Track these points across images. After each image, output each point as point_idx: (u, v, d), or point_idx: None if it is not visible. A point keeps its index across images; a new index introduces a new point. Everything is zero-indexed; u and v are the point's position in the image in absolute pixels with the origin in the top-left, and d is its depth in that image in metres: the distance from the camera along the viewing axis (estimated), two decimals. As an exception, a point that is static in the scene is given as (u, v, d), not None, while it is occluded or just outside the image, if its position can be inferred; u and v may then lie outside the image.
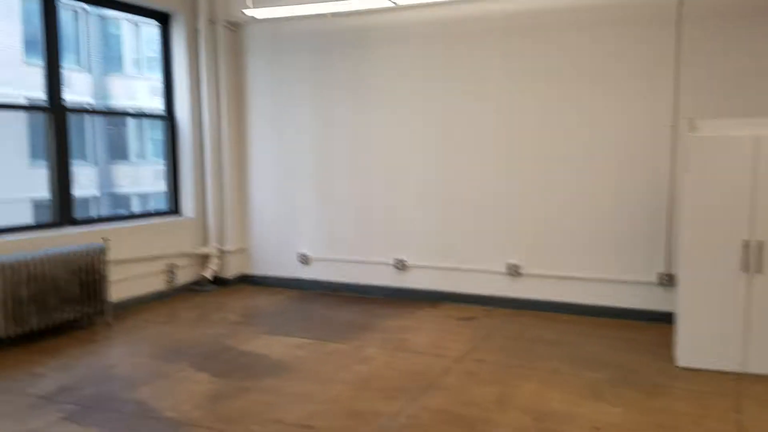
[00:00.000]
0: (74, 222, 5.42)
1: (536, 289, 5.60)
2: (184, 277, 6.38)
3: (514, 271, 5.65)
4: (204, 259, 6.56)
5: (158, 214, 6.44)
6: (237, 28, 6.49)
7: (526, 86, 5.47)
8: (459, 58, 5.68)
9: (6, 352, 4.43)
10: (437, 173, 5.88)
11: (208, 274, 6.51)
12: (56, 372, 4.09)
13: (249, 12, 5.84)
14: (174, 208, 6.51)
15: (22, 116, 12.43)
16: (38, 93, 5.32)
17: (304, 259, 6.47)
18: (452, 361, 4.29)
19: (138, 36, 14.99)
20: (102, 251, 5.16)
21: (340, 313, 5.58)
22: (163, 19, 6.28)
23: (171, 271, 6.20)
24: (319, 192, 6.36)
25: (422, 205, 5.96)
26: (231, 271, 6.65)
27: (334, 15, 5.93)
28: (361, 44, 6.02)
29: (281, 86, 6.42)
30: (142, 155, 15.67)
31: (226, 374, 4.06)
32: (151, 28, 6.41)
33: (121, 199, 15.05)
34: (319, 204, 6.38)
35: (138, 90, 14.84)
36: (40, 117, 5.38)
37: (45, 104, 5.22)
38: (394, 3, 5.44)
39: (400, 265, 6.08)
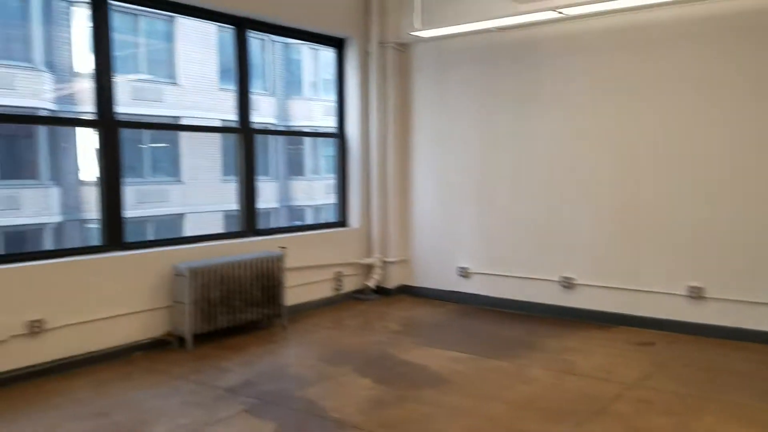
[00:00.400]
0: (257, 232, 5.95)
1: (724, 314, 5.07)
2: (349, 285, 6.69)
3: (696, 294, 5.17)
4: (368, 269, 6.83)
5: (328, 225, 6.84)
6: (404, 48, 6.72)
7: (712, 95, 5.02)
8: (632, 68, 5.37)
9: (198, 347, 4.96)
10: (609, 186, 5.58)
11: (371, 283, 6.77)
12: (240, 367, 4.50)
13: (417, 33, 6.03)
14: (342, 220, 6.87)
15: (216, 137, 13.91)
16: (230, 116, 5.94)
17: (465, 273, 6.47)
18: (624, 388, 4.03)
19: (316, 60, 16.15)
20: (280, 259, 5.60)
21: (501, 330, 5.50)
22: (339, 44, 6.70)
23: (338, 279, 6.55)
24: (481, 206, 6.34)
25: (593, 219, 5.69)
26: (393, 281, 6.85)
27: (500, 29, 5.91)
28: (527, 56, 5.93)
29: (445, 101, 6.52)
30: (315, 171, 16.76)
31: (387, 381, 4.18)
32: (327, 53, 6.87)
33: (296, 211, 16.19)
34: (481, 218, 6.36)
35: (314, 110, 15.93)
36: (231, 137, 5.99)
37: (236, 126, 5.81)
38: (563, 14, 5.30)
39: (567, 283, 5.84)
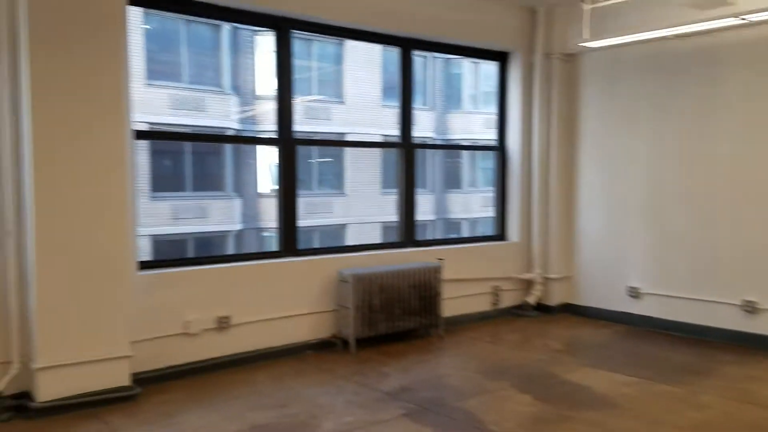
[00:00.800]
0: (415, 243, 6.13)
1: None
2: (507, 300, 6.63)
3: None
4: (527, 284, 6.72)
5: (485, 238, 6.85)
6: (571, 58, 6.56)
7: None
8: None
9: (360, 350, 5.22)
10: (802, 204, 5.01)
11: (531, 299, 6.65)
12: (399, 373, 4.67)
13: (586, 44, 5.86)
14: (500, 234, 6.84)
15: (377, 151, 14.51)
16: (391, 131, 6.20)
17: (634, 293, 6.13)
18: (818, 428, 3.59)
19: (476, 73, 16.23)
20: (437, 270, 5.72)
21: (672, 354, 5.14)
22: (502, 57, 6.72)
23: (495, 293, 6.52)
24: (653, 222, 5.98)
25: (781, 240, 5.13)
26: (554, 298, 6.67)
27: (677, 37, 5.55)
28: (706, 65, 5.51)
29: (613, 113, 6.26)
30: (473, 184, 16.79)
31: (548, 400, 4.10)
32: (488, 66, 6.93)
33: (452, 224, 16.33)
34: (653, 235, 5.99)
35: (473, 123, 16.01)
36: (392, 152, 6.25)
37: (398, 141, 6.06)
38: (746, 20, 4.87)
39: (750, 308, 5.31)
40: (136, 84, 4.80)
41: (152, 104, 10.91)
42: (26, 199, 3.86)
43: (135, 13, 4.60)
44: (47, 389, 3.89)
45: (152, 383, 4.35)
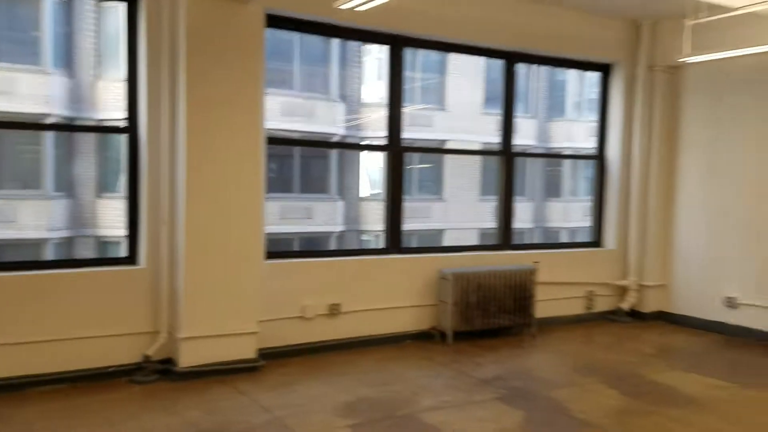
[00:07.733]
0: (512, 246, 6.44)
1: None
2: (601, 305, 6.77)
3: None
4: (622, 291, 6.84)
5: (582, 245, 7.05)
6: (673, 70, 6.61)
7: None
8: None
9: (456, 343, 5.61)
10: None
11: (624, 305, 6.76)
12: (492, 364, 5.04)
13: (687, 59, 5.91)
14: (596, 241, 6.99)
15: (476, 159, 14.82)
16: (491, 138, 6.54)
17: (731, 303, 6.12)
18: None
19: (581, 81, 16.13)
20: (532, 272, 6.01)
21: (769, 365, 5.16)
22: (604, 68, 6.87)
23: (589, 298, 6.70)
24: (754, 234, 5.96)
25: None
26: (648, 306, 6.74)
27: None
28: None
29: (718, 124, 6.27)
30: (573, 192, 16.68)
31: (635, 396, 4.33)
32: (594, 73, 7.06)
33: (550, 233, 16.31)
34: (753, 247, 5.97)
35: (575, 132, 15.93)
36: (491, 160, 6.59)
37: (498, 149, 6.41)
38: None
39: None
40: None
41: (267, 111, 11.87)
42: (179, 195, 4.59)
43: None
44: (188, 356, 4.57)
45: (273, 358, 4.95)
